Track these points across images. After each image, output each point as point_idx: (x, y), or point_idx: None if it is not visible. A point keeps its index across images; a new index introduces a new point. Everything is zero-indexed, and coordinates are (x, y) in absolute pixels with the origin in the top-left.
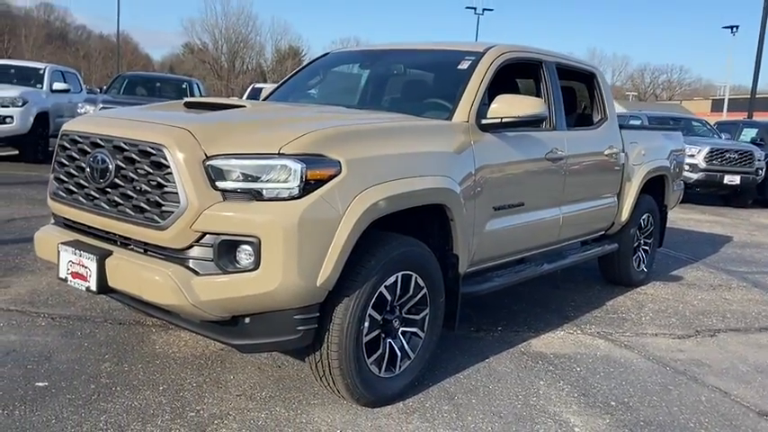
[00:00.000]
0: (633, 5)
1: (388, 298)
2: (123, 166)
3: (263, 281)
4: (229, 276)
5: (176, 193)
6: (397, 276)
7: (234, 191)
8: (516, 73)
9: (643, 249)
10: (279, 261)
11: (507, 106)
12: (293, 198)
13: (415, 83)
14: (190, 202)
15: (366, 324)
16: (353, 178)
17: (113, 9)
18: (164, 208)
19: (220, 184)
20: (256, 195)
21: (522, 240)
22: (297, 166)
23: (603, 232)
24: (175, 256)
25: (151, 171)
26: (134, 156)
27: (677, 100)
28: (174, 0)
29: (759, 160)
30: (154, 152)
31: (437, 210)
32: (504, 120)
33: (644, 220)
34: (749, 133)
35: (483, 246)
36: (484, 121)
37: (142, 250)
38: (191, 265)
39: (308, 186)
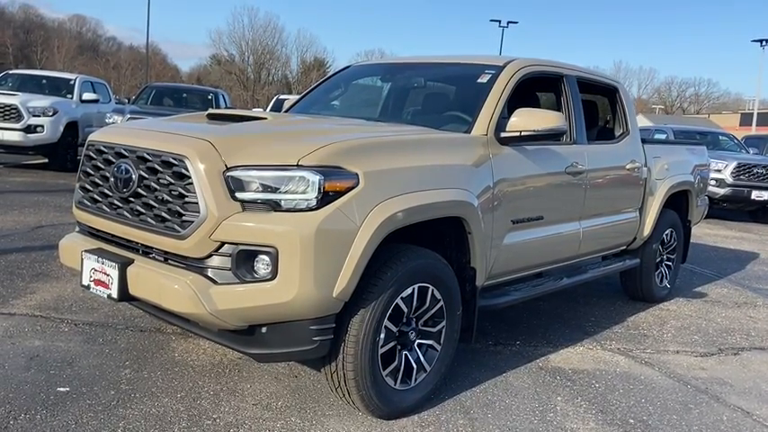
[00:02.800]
0: (660, 18)
1: (405, 310)
2: (146, 176)
3: (279, 291)
4: (247, 286)
5: (197, 203)
6: (414, 288)
7: (253, 201)
8: (536, 87)
9: (666, 265)
10: (296, 271)
11: (526, 120)
12: (311, 209)
13: (435, 96)
14: (210, 212)
15: (382, 335)
16: (371, 190)
17: (143, 21)
18: (184, 218)
19: (240, 195)
20: (275, 206)
21: (540, 254)
22: (315, 178)
23: (625, 247)
24: (195, 265)
25: (173, 181)
26: (157, 166)
27: (705, 114)
28: (202, 13)
29: None
30: (176, 163)
31: (455, 222)
32: (522, 133)
33: (667, 235)
34: None
35: (501, 259)
36: (503, 135)
37: (163, 259)
38: (209, 275)
39: (325, 198)
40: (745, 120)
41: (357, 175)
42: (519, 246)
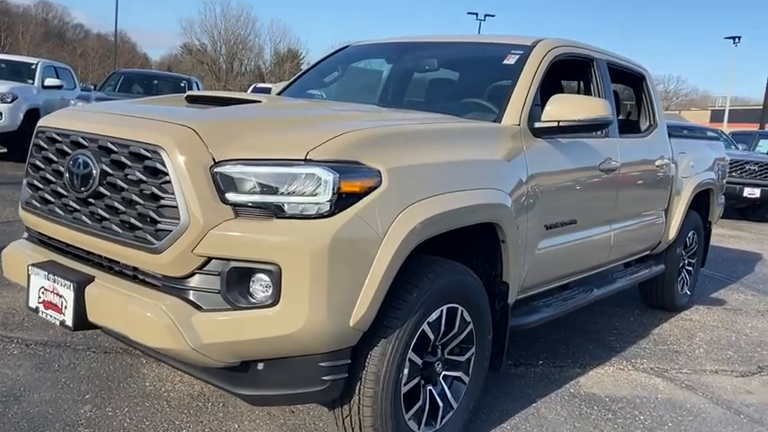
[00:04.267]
0: (629, 15)
1: (431, 337)
2: (110, 171)
3: (283, 320)
4: (240, 314)
5: (175, 207)
6: (442, 310)
7: (248, 205)
8: (563, 72)
9: (687, 270)
10: (304, 295)
11: (565, 108)
12: (323, 216)
13: (451, 80)
14: (192, 219)
15: (405, 371)
16: (396, 191)
17: (112, 8)
18: (159, 225)
19: (231, 197)
20: (276, 212)
21: (572, 263)
22: (328, 176)
23: (649, 252)
24: (173, 285)
25: (144, 179)
26: (124, 159)
27: (674, 110)
28: (173, 1)
29: None
30: (148, 155)
31: (485, 229)
32: (561, 123)
33: (689, 238)
34: (765, 144)
35: (533, 270)
36: (537, 125)
37: (131, 277)
38: (191, 298)
39: (340, 201)
40: (716, 116)
41: (379, 172)
42: (552, 254)
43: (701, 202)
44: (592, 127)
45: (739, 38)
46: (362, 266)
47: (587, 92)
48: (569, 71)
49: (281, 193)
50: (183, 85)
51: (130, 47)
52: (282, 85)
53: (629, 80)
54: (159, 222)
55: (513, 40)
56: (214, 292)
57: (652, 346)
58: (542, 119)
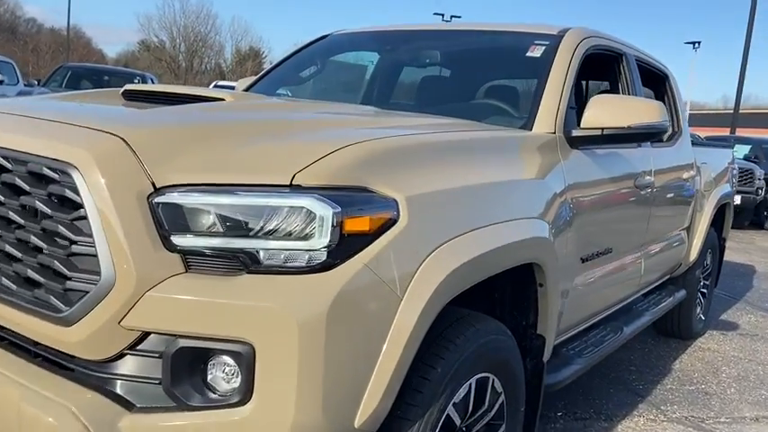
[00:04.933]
0: (591, 17)
1: (457, 421)
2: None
3: (256, 425)
4: (192, 416)
5: (94, 257)
6: (471, 384)
7: (205, 253)
8: (592, 68)
9: (701, 293)
10: (288, 388)
11: (612, 112)
12: (316, 268)
13: (461, 77)
14: (119, 275)
15: None
16: (420, 228)
17: (65, 2)
18: (69, 284)
19: (180, 241)
20: (248, 263)
21: (605, 299)
22: (325, 210)
23: (668, 276)
24: (91, 372)
25: (48, 211)
26: (19, 181)
27: None
28: None
29: (759, 179)
30: (54, 176)
31: (519, 270)
32: (606, 131)
33: (706, 258)
34: (742, 150)
35: (566, 313)
36: (575, 133)
37: (31, 355)
38: (119, 392)
39: (342, 246)
40: None
41: (396, 202)
42: (587, 292)
43: (716, 217)
44: (643, 136)
45: (699, 43)
46: (374, 341)
47: (615, 92)
48: (595, 68)
49: (255, 235)
50: (137, 81)
51: (85, 42)
52: (250, 80)
53: (652, 80)
54: (69, 279)
55: (532, 28)
56: (153, 383)
57: (678, 387)
58: (582, 125)
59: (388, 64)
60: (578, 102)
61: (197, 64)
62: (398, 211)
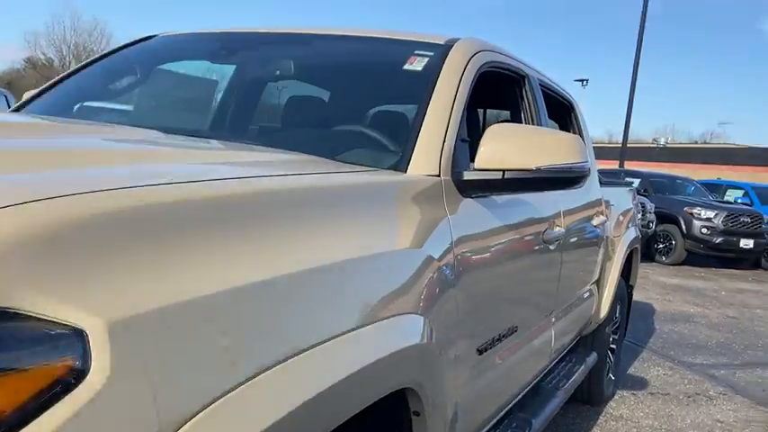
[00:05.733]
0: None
1: None
2: None
3: None
4: None
5: None
6: None
7: None
8: (485, 93)
9: (610, 350)
10: None
11: (517, 147)
12: None
13: (314, 95)
14: None
15: None
16: (145, 383)
17: None
18: None
19: None
20: None
21: (508, 390)
22: None
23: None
24: None
25: None
26: None
27: None
28: (17, 12)
29: (650, 212)
30: None
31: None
32: (508, 174)
33: (616, 311)
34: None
35: (461, 423)
36: (468, 176)
37: None
38: None
39: None
40: None
41: (83, 335)
42: (487, 393)
43: (625, 263)
44: (558, 181)
45: (587, 80)
46: None
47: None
48: (491, 92)
49: None
50: None
51: None
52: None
53: (556, 110)
54: None
55: (412, 36)
56: None
57: None
58: (477, 165)
59: (233, 75)
60: (472, 134)
61: None
62: (88, 358)
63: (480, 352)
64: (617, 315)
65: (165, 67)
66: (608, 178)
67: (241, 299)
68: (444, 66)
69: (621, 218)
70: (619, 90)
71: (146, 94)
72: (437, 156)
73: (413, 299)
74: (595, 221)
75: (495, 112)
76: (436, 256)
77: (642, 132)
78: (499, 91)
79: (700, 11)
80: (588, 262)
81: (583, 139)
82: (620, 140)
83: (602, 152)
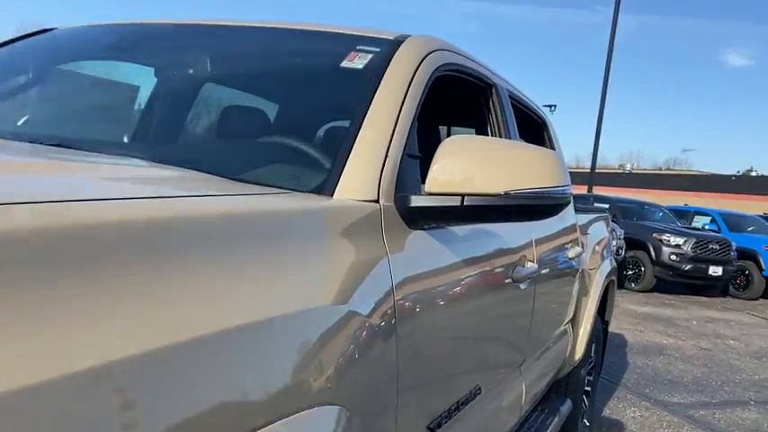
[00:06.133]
0: None
1: None
2: None
3: None
4: None
5: None
6: None
7: None
8: (442, 103)
9: (585, 393)
10: None
11: (480, 165)
12: None
13: (233, 103)
14: None
15: None
16: None
17: None
18: None
19: None
20: None
21: None
22: None
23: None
24: None
25: None
26: None
27: None
28: None
29: (619, 238)
30: None
31: None
32: (468, 200)
33: (591, 350)
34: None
35: None
36: (417, 201)
37: None
38: None
39: None
40: None
41: None
42: None
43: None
44: (532, 209)
45: (555, 106)
46: None
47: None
48: (450, 103)
49: None
50: None
51: None
52: None
53: (527, 128)
54: None
55: (357, 30)
56: None
57: None
58: (429, 189)
59: (138, 75)
60: (428, 152)
61: None
62: None
63: (432, 430)
64: (592, 354)
65: (53, 64)
66: (578, 203)
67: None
68: (392, 64)
69: (597, 247)
70: (586, 116)
71: (42, 96)
72: (376, 175)
73: (328, 381)
74: (571, 253)
75: (457, 129)
76: (366, 312)
77: (609, 158)
78: (461, 102)
79: (663, 42)
80: (563, 299)
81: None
82: (588, 165)
83: (570, 177)
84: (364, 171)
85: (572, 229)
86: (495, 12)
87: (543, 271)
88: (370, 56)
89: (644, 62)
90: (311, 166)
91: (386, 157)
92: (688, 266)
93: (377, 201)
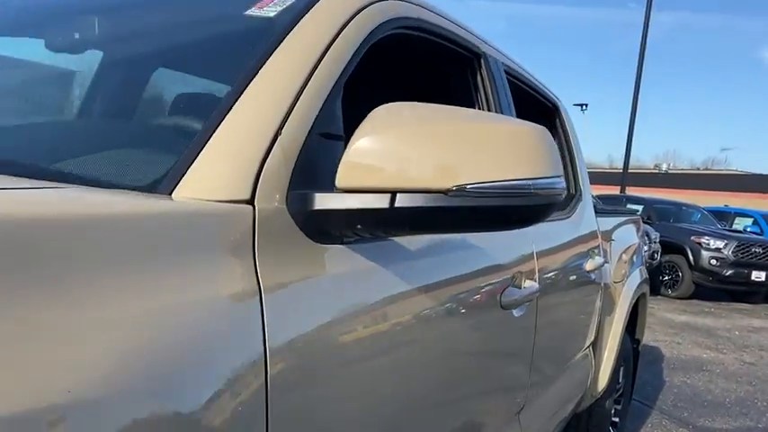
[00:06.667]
0: None
1: None
2: None
3: None
4: None
5: None
6: None
7: None
8: (411, 68)
9: (612, 424)
10: None
11: (417, 146)
12: None
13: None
14: None
15: None
16: None
17: None
18: None
19: None
20: None
21: None
22: None
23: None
24: None
25: None
26: None
27: None
28: None
29: (654, 242)
30: None
31: None
32: (399, 200)
33: (619, 375)
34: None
35: None
36: (323, 203)
37: None
38: None
39: None
40: None
41: None
42: None
43: (631, 314)
44: (505, 215)
45: (587, 105)
46: None
47: None
48: (420, 73)
49: None
50: None
51: None
52: None
53: (535, 113)
54: None
55: None
56: None
57: None
58: (341, 183)
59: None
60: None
61: None
62: None
63: None
64: (620, 380)
65: None
66: (609, 205)
67: None
68: (311, 11)
69: (624, 256)
70: (619, 115)
71: None
72: (252, 163)
73: None
74: (590, 265)
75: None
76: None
77: (643, 158)
78: (437, 76)
79: (700, 39)
80: (580, 321)
81: (571, 153)
82: (621, 166)
83: (602, 177)
84: (230, 156)
85: (591, 236)
86: (524, 11)
87: (549, 291)
88: (288, 2)
89: (680, 60)
90: (157, 151)
91: (275, 137)
92: (729, 271)
93: (249, 201)
